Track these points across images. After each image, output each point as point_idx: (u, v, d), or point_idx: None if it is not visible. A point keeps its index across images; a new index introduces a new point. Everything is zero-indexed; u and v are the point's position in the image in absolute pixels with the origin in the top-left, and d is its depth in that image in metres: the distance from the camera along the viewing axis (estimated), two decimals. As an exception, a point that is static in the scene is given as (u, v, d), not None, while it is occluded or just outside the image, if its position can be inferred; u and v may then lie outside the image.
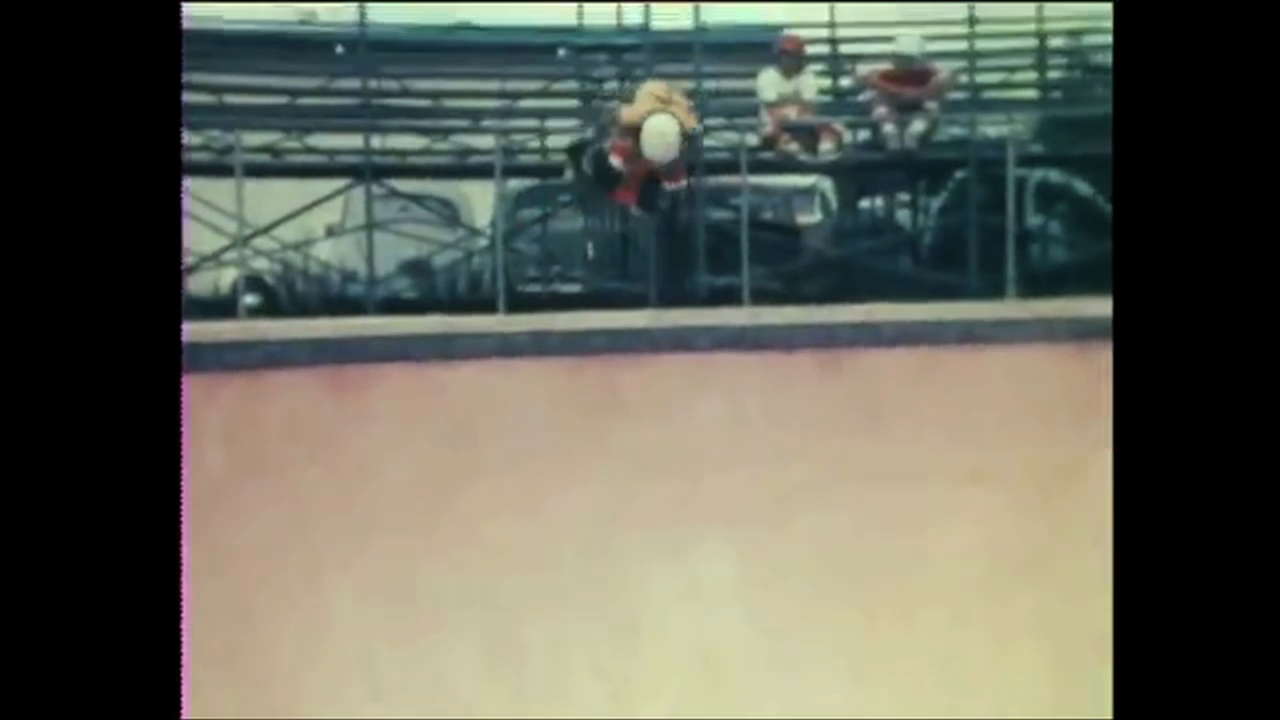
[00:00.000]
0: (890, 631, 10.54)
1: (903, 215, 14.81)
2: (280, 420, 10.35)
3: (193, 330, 7.46)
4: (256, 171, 12.42)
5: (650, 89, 11.77)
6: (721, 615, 10.59)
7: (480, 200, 14.78)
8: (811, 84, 13.21)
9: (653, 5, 13.89)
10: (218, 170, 12.23)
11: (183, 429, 4.98)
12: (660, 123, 11.25)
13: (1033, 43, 15.25)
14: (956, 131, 13.36)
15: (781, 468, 11.25)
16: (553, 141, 13.73)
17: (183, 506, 4.95)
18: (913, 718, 10.21)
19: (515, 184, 14.35)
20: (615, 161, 11.39)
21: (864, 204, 15.10)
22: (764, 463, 11.19)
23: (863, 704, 10.28)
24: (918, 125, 12.85)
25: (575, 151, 12.02)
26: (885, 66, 13.19)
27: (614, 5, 14.98)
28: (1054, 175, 13.82)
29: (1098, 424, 11.03)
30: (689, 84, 12.82)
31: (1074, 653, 10.40)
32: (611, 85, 15.15)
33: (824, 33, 15.22)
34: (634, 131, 11.33)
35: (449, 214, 14.70)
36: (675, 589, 10.77)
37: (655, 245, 11.76)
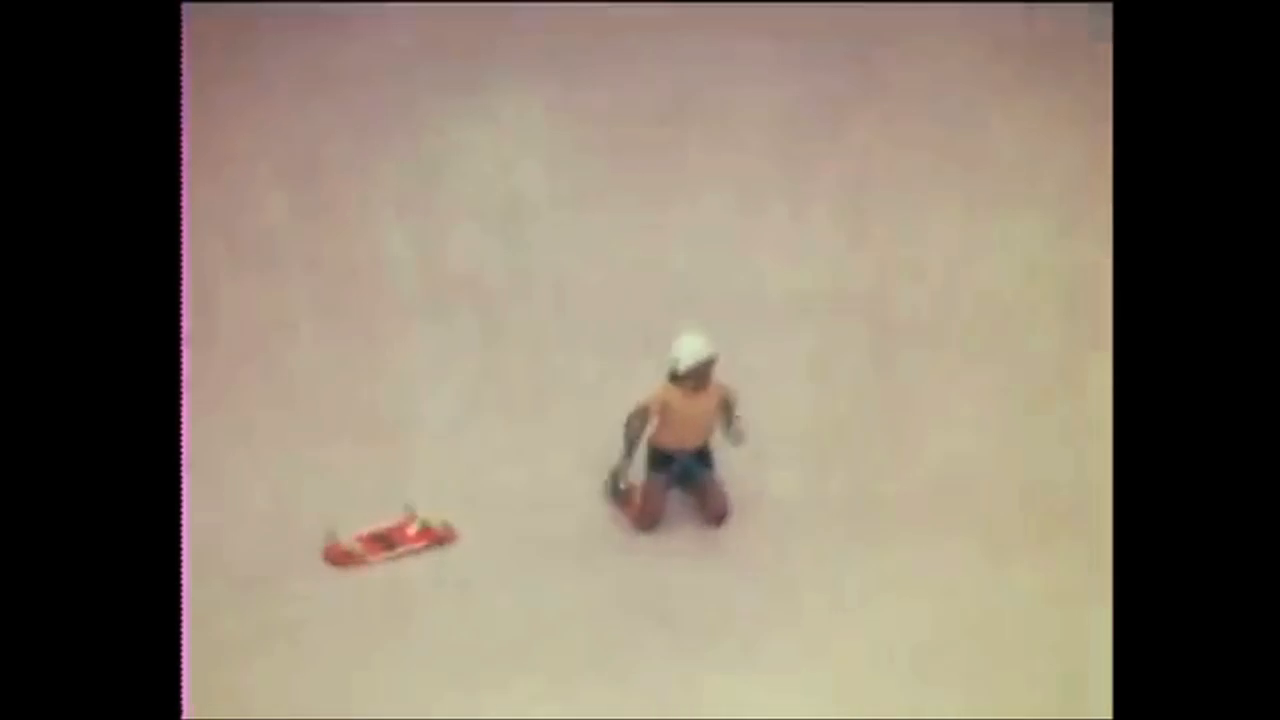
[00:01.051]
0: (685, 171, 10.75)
1: None
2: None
3: None
4: None
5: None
6: (523, 160, 10.75)
7: None
8: None
9: None
10: None
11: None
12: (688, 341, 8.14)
13: None
14: None
15: (595, 12, 11.27)
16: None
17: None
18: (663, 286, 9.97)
19: None
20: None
21: None
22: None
23: (650, 248, 10.44)
24: None
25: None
26: None
27: None
28: None
29: None
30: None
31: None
32: None
33: None
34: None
35: None
36: (476, 128, 10.91)
37: None
